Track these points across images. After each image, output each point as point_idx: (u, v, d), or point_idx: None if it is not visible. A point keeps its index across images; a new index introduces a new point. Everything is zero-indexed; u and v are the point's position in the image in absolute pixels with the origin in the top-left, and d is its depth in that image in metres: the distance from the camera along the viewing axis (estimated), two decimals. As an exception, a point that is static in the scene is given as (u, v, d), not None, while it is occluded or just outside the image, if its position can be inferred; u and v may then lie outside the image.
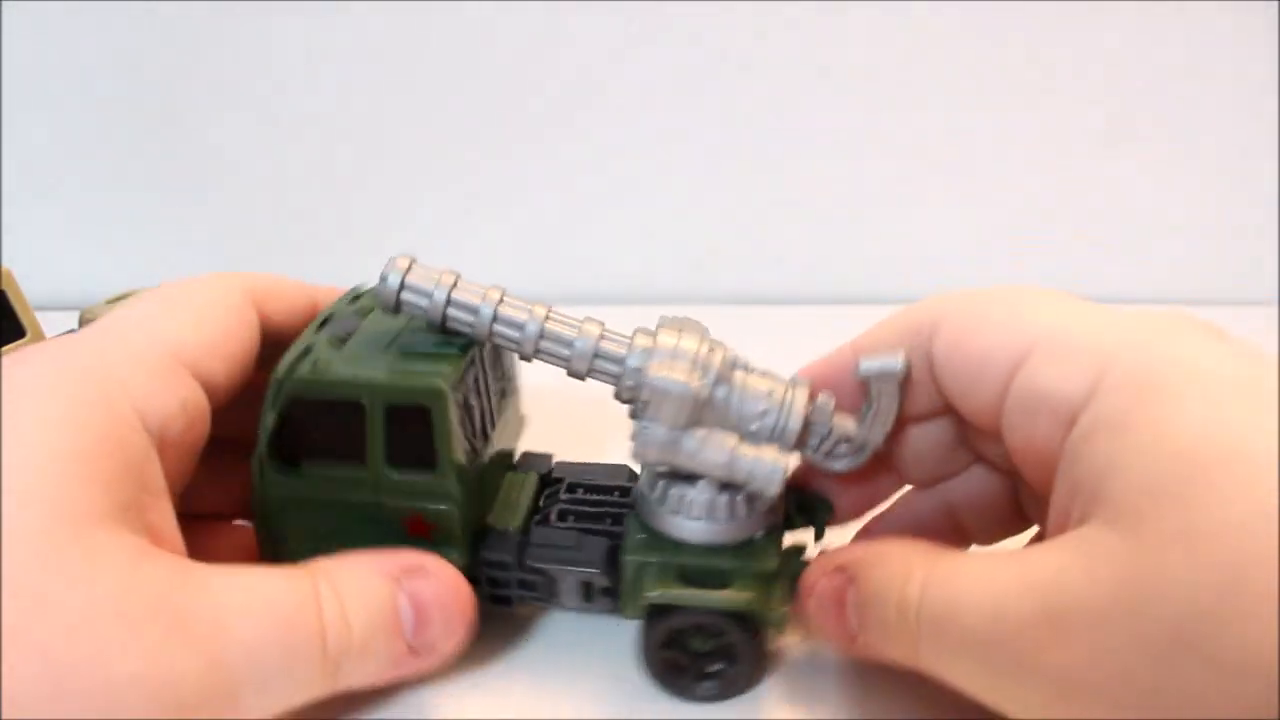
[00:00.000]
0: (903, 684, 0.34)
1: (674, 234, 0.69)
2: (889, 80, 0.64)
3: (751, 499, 0.35)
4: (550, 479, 0.40)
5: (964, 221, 0.68)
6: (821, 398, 0.35)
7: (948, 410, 0.34)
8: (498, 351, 0.39)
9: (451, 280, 0.34)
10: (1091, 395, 0.27)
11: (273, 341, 0.38)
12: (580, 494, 0.39)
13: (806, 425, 0.35)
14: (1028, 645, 0.25)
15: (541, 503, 0.39)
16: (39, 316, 0.42)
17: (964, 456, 0.36)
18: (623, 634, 0.38)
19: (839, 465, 0.36)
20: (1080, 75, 0.64)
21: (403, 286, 0.34)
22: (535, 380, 0.43)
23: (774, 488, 0.34)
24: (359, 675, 0.31)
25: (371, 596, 0.31)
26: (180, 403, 0.32)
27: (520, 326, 0.34)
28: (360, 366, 0.34)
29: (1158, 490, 0.23)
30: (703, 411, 0.34)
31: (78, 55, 0.64)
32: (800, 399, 0.35)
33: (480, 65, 0.65)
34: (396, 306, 0.35)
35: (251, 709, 0.28)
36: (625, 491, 0.39)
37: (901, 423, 0.35)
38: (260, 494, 0.35)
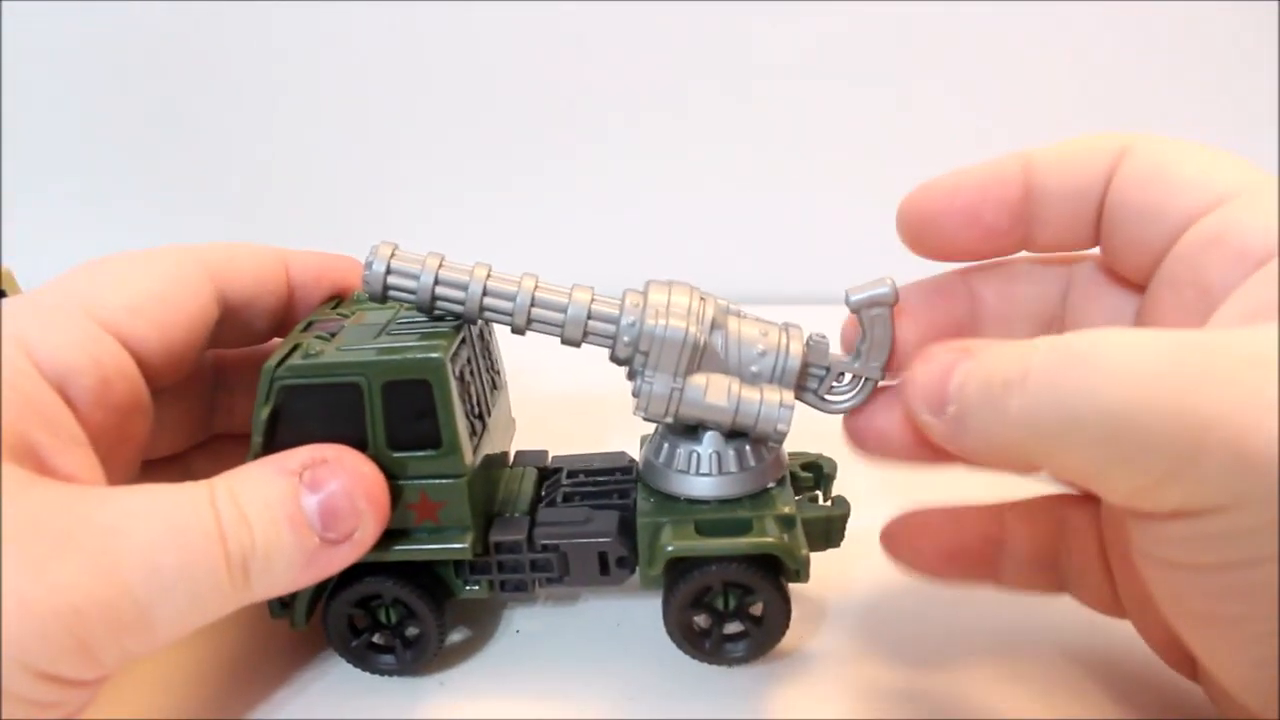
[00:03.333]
0: (904, 684, 0.34)
1: (674, 234, 0.70)
2: (890, 83, 0.65)
3: (759, 448, 0.35)
4: (549, 471, 0.39)
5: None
6: (815, 336, 0.36)
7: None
8: (486, 341, 0.39)
9: (437, 261, 0.34)
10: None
11: (238, 311, 0.37)
12: (581, 478, 0.38)
13: (804, 365, 0.35)
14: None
15: (544, 492, 0.38)
16: None
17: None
18: (620, 634, 0.38)
19: (840, 403, 0.36)
20: (1080, 76, 0.65)
21: (389, 271, 0.34)
22: (521, 384, 0.43)
23: (783, 425, 0.34)
24: (275, 577, 0.30)
25: (269, 492, 0.30)
26: (91, 358, 0.31)
27: (511, 298, 0.34)
28: (353, 351, 0.33)
29: None
30: (702, 359, 0.34)
31: (78, 56, 0.65)
32: (796, 338, 0.35)
33: (483, 67, 0.66)
34: (384, 293, 0.34)
35: (164, 622, 0.28)
36: (626, 471, 0.38)
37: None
38: (257, 496, 0.34)
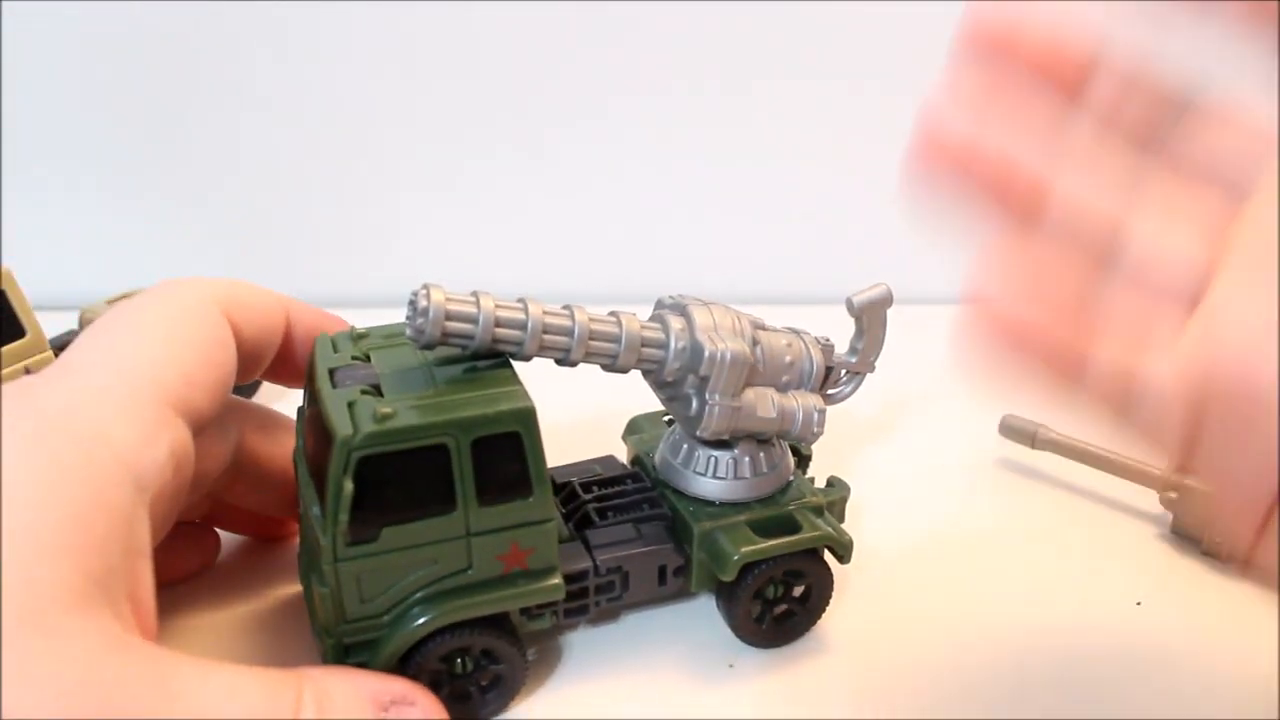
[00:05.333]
0: (904, 683, 0.36)
1: (672, 234, 0.69)
2: (887, 82, 0.63)
3: (779, 446, 0.38)
4: (556, 486, 0.40)
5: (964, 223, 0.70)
6: (823, 340, 0.39)
7: None
8: None
9: (491, 302, 0.33)
10: None
11: (246, 354, 0.35)
12: (596, 492, 0.39)
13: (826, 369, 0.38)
14: None
15: (564, 510, 0.38)
16: (39, 316, 0.43)
17: None
18: (619, 633, 0.39)
19: (837, 394, 0.40)
20: None
21: (446, 317, 0.32)
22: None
23: (819, 428, 0.37)
24: None
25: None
26: (169, 450, 0.30)
27: (569, 333, 0.34)
28: (429, 407, 0.31)
29: None
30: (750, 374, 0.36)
31: (78, 55, 0.63)
32: (814, 346, 0.38)
33: (480, 68, 0.64)
34: (442, 339, 0.32)
35: None
36: (636, 478, 0.40)
37: None
38: (334, 576, 0.31)
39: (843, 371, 0.40)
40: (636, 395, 0.41)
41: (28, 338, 0.42)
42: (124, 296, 0.52)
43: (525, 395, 0.32)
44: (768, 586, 0.37)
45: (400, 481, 0.31)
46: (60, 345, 0.48)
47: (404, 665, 0.33)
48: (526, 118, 0.67)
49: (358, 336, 0.36)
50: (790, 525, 0.37)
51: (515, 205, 0.69)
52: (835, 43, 0.66)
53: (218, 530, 0.41)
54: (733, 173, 0.69)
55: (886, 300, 0.38)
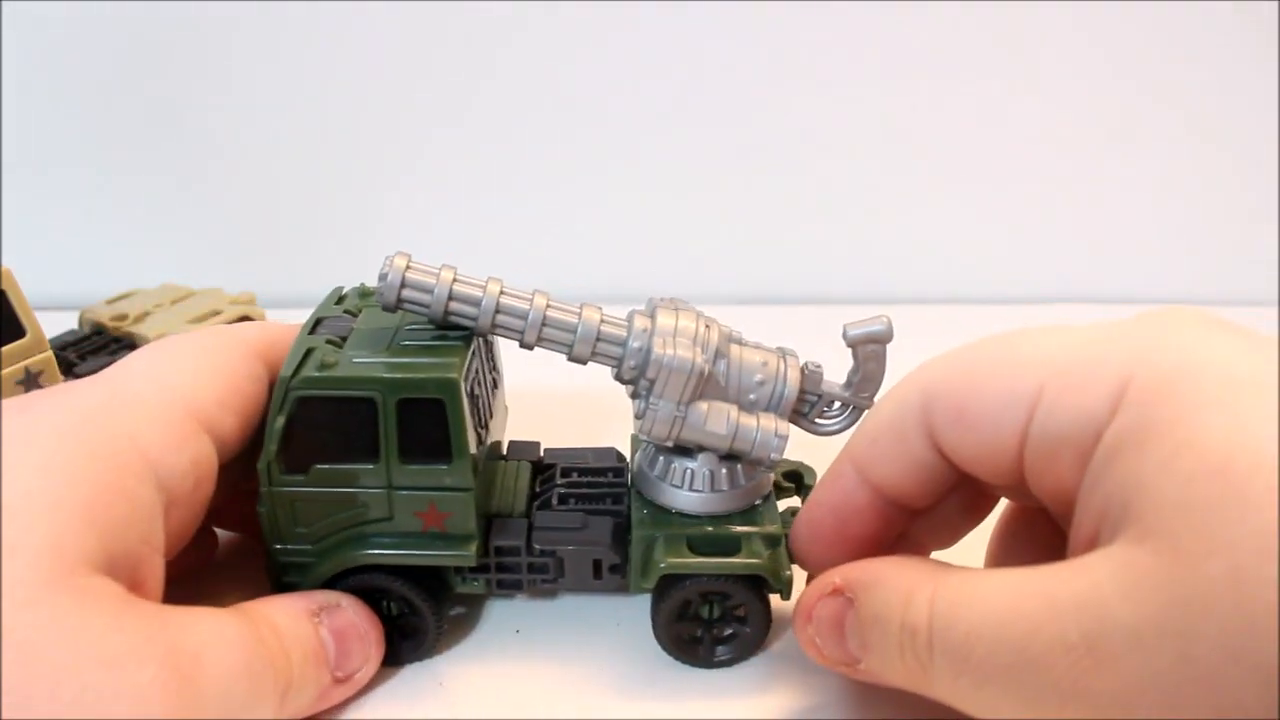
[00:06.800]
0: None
1: (673, 234, 0.70)
2: (889, 82, 0.65)
3: (750, 468, 0.37)
4: (542, 466, 0.41)
5: (964, 222, 0.68)
6: (811, 365, 0.37)
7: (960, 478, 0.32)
8: (489, 342, 0.40)
9: (451, 275, 0.35)
10: (1114, 412, 0.25)
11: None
12: (575, 478, 0.40)
13: (801, 393, 0.37)
14: (1065, 672, 0.24)
15: (538, 489, 0.40)
16: (39, 316, 0.42)
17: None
18: (620, 633, 0.39)
19: (830, 427, 0.38)
20: (1081, 76, 0.65)
21: (403, 284, 0.35)
22: (517, 372, 0.44)
23: (776, 454, 0.36)
24: (296, 706, 0.33)
25: (301, 631, 0.33)
26: (192, 460, 0.32)
27: (523, 315, 0.35)
28: (367, 363, 0.34)
29: (1189, 505, 0.23)
30: (705, 385, 0.35)
31: (78, 55, 0.65)
32: (794, 368, 0.37)
33: (481, 66, 0.66)
34: (397, 304, 0.35)
35: None
36: (618, 472, 0.40)
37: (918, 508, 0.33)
38: (269, 499, 0.35)
39: (836, 403, 0.38)
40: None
41: (28, 338, 0.41)
42: (124, 297, 0.56)
43: (456, 368, 0.34)
44: (701, 605, 0.36)
45: (332, 425, 0.34)
46: (60, 345, 0.50)
47: (332, 593, 0.36)
48: (527, 118, 0.66)
49: (364, 294, 0.39)
50: (732, 548, 0.36)
51: (515, 206, 0.70)
52: (842, 42, 0.63)
53: (216, 530, 0.42)
54: (732, 173, 0.67)
55: (885, 335, 0.36)
